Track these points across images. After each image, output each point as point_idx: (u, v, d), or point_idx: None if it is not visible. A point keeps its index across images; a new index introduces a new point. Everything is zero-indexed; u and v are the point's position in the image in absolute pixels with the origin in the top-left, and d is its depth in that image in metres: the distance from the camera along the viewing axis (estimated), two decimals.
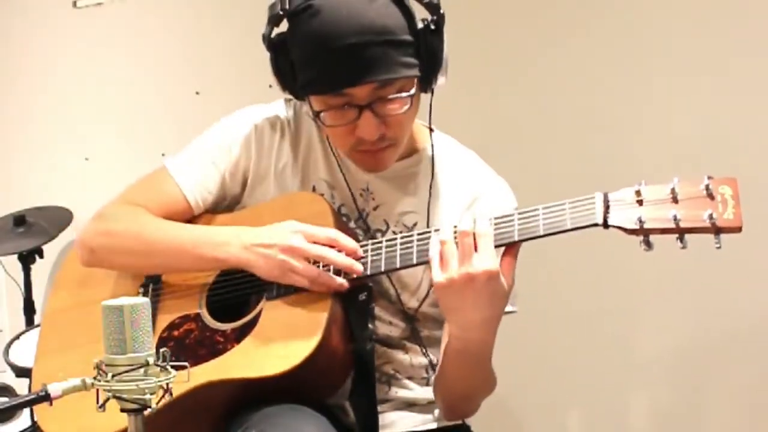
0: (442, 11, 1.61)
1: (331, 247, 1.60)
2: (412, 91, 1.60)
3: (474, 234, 1.48)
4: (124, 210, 1.77)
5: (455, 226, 1.51)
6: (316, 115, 1.62)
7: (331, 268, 1.60)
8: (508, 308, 1.66)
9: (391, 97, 1.59)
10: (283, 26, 1.64)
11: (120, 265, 1.79)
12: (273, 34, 1.63)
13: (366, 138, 1.61)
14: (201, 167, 1.77)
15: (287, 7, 1.59)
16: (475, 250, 1.47)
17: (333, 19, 1.55)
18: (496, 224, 1.52)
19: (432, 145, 1.77)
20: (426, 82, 1.63)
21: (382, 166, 1.70)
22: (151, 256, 1.72)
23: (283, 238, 1.61)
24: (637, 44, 2.57)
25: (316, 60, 1.58)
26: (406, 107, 1.60)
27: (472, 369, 1.63)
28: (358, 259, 1.61)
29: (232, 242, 1.64)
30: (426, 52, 1.60)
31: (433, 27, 1.60)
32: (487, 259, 1.47)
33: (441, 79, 1.64)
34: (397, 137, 1.65)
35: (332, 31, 1.54)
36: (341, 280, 1.59)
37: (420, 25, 1.60)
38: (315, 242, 1.60)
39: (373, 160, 1.68)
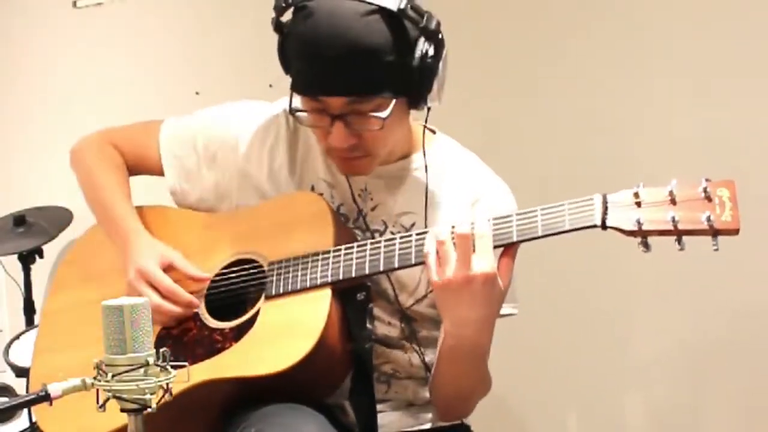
0: (441, 37, 1.59)
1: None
2: (387, 111, 1.57)
3: (473, 235, 1.48)
4: (103, 149, 1.90)
5: (453, 226, 1.51)
6: (292, 112, 1.64)
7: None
8: (508, 310, 1.68)
9: (365, 112, 1.59)
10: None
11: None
12: (280, 19, 1.64)
13: (335, 146, 1.62)
14: (187, 145, 1.83)
15: (290, 0, 1.60)
16: (474, 251, 1.48)
17: (320, 26, 1.55)
18: (494, 225, 1.52)
19: (425, 147, 1.76)
20: (415, 103, 1.62)
21: (358, 172, 1.71)
22: (90, 203, 1.89)
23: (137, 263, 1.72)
24: (636, 46, 2.57)
25: (300, 59, 1.59)
26: (377, 126, 1.59)
27: (465, 368, 1.63)
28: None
29: (126, 247, 1.76)
30: (416, 76, 1.58)
31: (431, 53, 1.58)
32: (486, 262, 1.47)
33: (434, 103, 1.63)
34: (370, 150, 1.65)
35: (316, 39, 1.55)
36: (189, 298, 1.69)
37: (420, 46, 1.58)
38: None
39: (347, 166, 1.69)
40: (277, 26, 1.64)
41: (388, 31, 1.56)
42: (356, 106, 1.58)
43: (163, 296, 1.69)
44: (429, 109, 1.65)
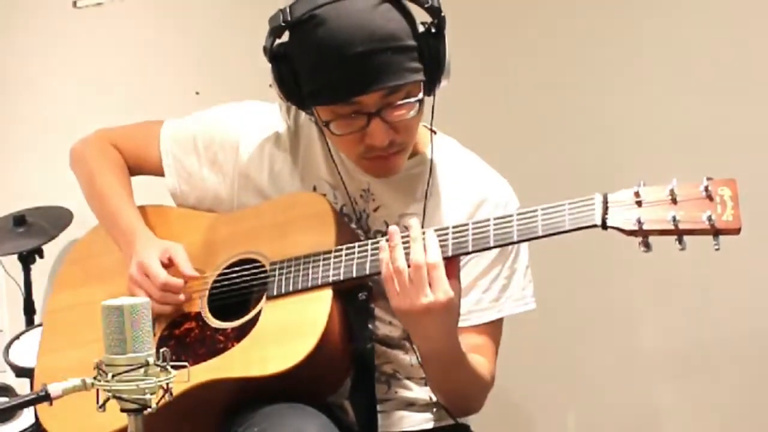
0: (443, 14, 1.61)
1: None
2: (420, 95, 1.61)
3: (426, 265, 1.50)
4: (103, 149, 1.91)
5: (406, 245, 1.53)
6: (325, 125, 1.62)
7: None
8: (526, 307, 1.73)
9: (399, 103, 1.59)
10: (284, 37, 1.63)
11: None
12: (274, 46, 1.62)
13: (377, 145, 1.61)
14: (187, 147, 1.83)
15: (289, 18, 1.58)
16: (429, 280, 1.49)
17: (339, 27, 1.54)
18: (495, 225, 1.52)
19: (432, 148, 1.77)
20: (430, 86, 1.63)
21: (393, 171, 1.70)
22: (90, 200, 1.90)
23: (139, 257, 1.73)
24: (637, 45, 2.57)
25: (323, 70, 1.57)
26: (414, 112, 1.61)
27: (450, 372, 1.64)
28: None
29: (132, 246, 1.76)
30: (429, 55, 1.61)
31: (434, 30, 1.60)
32: (442, 291, 1.50)
33: (444, 82, 1.64)
34: (405, 142, 1.66)
35: (339, 40, 1.54)
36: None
37: (421, 28, 1.61)
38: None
39: (383, 166, 1.68)
40: (272, 54, 1.62)
41: (401, 16, 1.58)
42: (390, 98, 1.58)
43: (159, 289, 1.70)
44: (433, 108, 1.67)
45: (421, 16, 1.62)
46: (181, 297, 1.71)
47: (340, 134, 1.62)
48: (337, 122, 1.61)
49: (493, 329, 1.74)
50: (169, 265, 1.72)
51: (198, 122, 1.86)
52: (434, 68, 1.62)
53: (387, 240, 1.56)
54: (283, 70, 1.63)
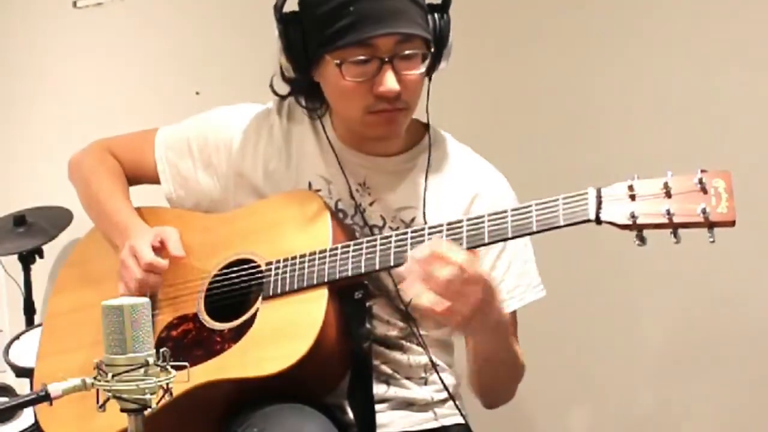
0: None
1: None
2: (428, 54, 1.65)
3: (460, 273, 1.44)
4: (100, 158, 1.93)
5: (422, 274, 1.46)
6: (338, 66, 1.63)
7: None
8: (538, 295, 1.78)
9: (409, 52, 1.62)
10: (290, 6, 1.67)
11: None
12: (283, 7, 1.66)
13: (386, 93, 1.63)
14: (182, 151, 1.85)
15: None
16: (465, 285, 1.45)
17: None
18: (489, 221, 1.52)
19: (429, 141, 1.77)
20: (432, 62, 1.67)
21: (394, 131, 1.71)
22: (88, 209, 1.92)
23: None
24: (630, 38, 2.56)
25: (340, 12, 1.60)
26: (422, 69, 1.64)
27: (502, 364, 1.67)
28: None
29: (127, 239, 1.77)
30: (435, 29, 1.67)
31: (441, 7, 1.67)
32: (477, 287, 1.45)
33: (443, 64, 1.69)
34: (410, 101, 1.68)
35: None
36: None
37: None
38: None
39: (386, 124, 1.69)
40: (282, 13, 1.65)
41: None
42: (403, 46, 1.62)
43: (143, 269, 1.71)
44: (427, 104, 1.70)
45: None
46: (158, 280, 1.73)
47: (351, 80, 1.63)
48: (350, 68, 1.63)
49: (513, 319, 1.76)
50: (161, 248, 1.74)
51: (191, 126, 1.87)
52: (439, 44, 1.67)
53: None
54: (291, 28, 1.67)
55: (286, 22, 1.67)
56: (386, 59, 1.61)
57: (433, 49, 1.67)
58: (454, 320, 1.47)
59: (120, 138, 1.97)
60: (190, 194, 1.85)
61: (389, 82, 1.62)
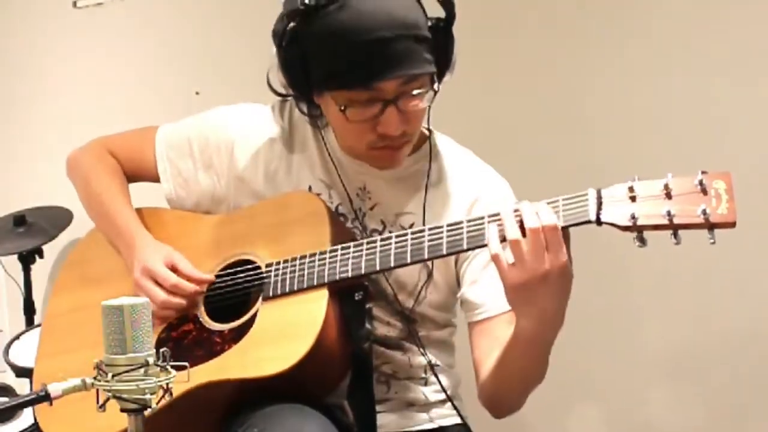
0: (454, 9, 1.62)
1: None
2: (435, 86, 1.62)
3: (543, 228, 1.43)
4: (99, 156, 1.91)
5: (517, 215, 1.45)
6: (341, 110, 1.60)
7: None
8: None
9: (415, 92, 1.59)
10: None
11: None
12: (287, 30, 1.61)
13: (390, 133, 1.61)
14: (182, 151, 1.83)
15: (308, 1, 1.56)
16: (545, 244, 1.43)
17: (363, 11, 1.54)
18: (490, 222, 1.51)
19: (430, 146, 1.77)
20: (441, 75, 1.65)
21: (398, 162, 1.71)
22: (88, 209, 1.90)
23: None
24: (630, 39, 2.56)
25: (344, 53, 1.56)
26: (427, 102, 1.62)
27: (534, 361, 1.60)
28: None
29: (132, 250, 1.77)
30: (439, 49, 1.63)
31: (444, 24, 1.63)
32: (560, 255, 1.43)
33: (447, 77, 1.66)
34: (413, 133, 1.67)
35: (363, 24, 1.54)
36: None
37: (439, 17, 1.63)
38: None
39: (391, 157, 1.68)
40: (281, 38, 1.61)
41: (418, 6, 1.60)
42: (408, 87, 1.59)
43: (169, 292, 1.69)
44: (429, 107, 1.66)
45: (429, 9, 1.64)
46: (184, 302, 1.71)
47: (355, 121, 1.61)
48: (352, 109, 1.60)
49: None
50: (172, 271, 1.72)
51: (192, 126, 1.86)
52: (443, 62, 1.63)
53: (490, 218, 1.49)
54: (291, 56, 1.62)
55: (286, 46, 1.62)
56: (390, 100, 1.58)
57: (437, 79, 1.63)
58: (521, 275, 1.43)
59: (119, 136, 1.95)
60: (190, 194, 1.84)
61: (393, 123, 1.60)
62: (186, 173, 1.83)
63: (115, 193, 1.85)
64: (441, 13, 1.64)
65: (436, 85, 1.62)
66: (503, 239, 1.46)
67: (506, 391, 1.67)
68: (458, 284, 1.74)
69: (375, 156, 1.68)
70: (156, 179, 1.87)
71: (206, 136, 1.82)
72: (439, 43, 1.62)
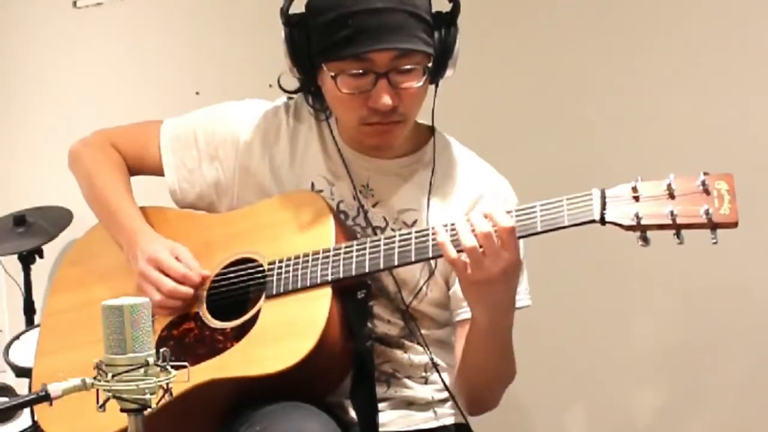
0: (459, 2, 1.65)
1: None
2: (429, 63, 1.63)
3: (496, 231, 1.47)
4: (102, 149, 1.90)
5: (471, 225, 1.49)
6: (333, 78, 1.63)
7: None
8: (524, 303, 1.73)
9: (407, 67, 1.61)
10: (297, 8, 1.67)
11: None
12: (290, 10, 1.66)
13: (379, 108, 1.62)
14: (187, 143, 1.83)
15: None
16: (501, 245, 1.47)
17: None
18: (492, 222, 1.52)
19: (434, 144, 1.78)
20: (436, 71, 1.66)
21: (389, 143, 1.71)
22: (89, 200, 1.89)
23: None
24: (634, 40, 2.56)
25: (339, 24, 1.59)
26: (420, 83, 1.63)
27: (496, 354, 1.64)
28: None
29: (134, 244, 1.76)
30: (441, 39, 1.65)
31: (449, 16, 1.65)
32: (514, 251, 1.48)
33: (449, 71, 1.68)
34: (407, 113, 1.67)
35: None
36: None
37: (445, 10, 1.65)
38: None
39: (381, 136, 1.69)
40: (287, 16, 1.65)
41: None
42: (400, 61, 1.61)
43: (177, 281, 1.69)
44: (433, 107, 1.69)
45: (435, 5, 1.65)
46: (191, 291, 1.70)
47: (346, 92, 1.63)
48: (345, 79, 1.62)
49: None
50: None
51: (198, 119, 1.87)
52: (444, 53, 1.65)
53: (435, 231, 1.53)
54: (295, 33, 1.66)
55: (291, 25, 1.66)
56: (382, 73, 1.60)
57: (434, 62, 1.65)
58: (480, 274, 1.48)
59: (122, 129, 1.95)
60: (194, 187, 1.84)
61: (383, 97, 1.61)
62: (191, 164, 1.83)
63: (118, 188, 1.85)
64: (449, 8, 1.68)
65: (430, 67, 1.63)
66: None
67: (476, 388, 1.71)
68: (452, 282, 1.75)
69: (367, 132, 1.69)
70: (159, 172, 1.87)
71: (212, 129, 1.83)
72: (441, 34, 1.64)
